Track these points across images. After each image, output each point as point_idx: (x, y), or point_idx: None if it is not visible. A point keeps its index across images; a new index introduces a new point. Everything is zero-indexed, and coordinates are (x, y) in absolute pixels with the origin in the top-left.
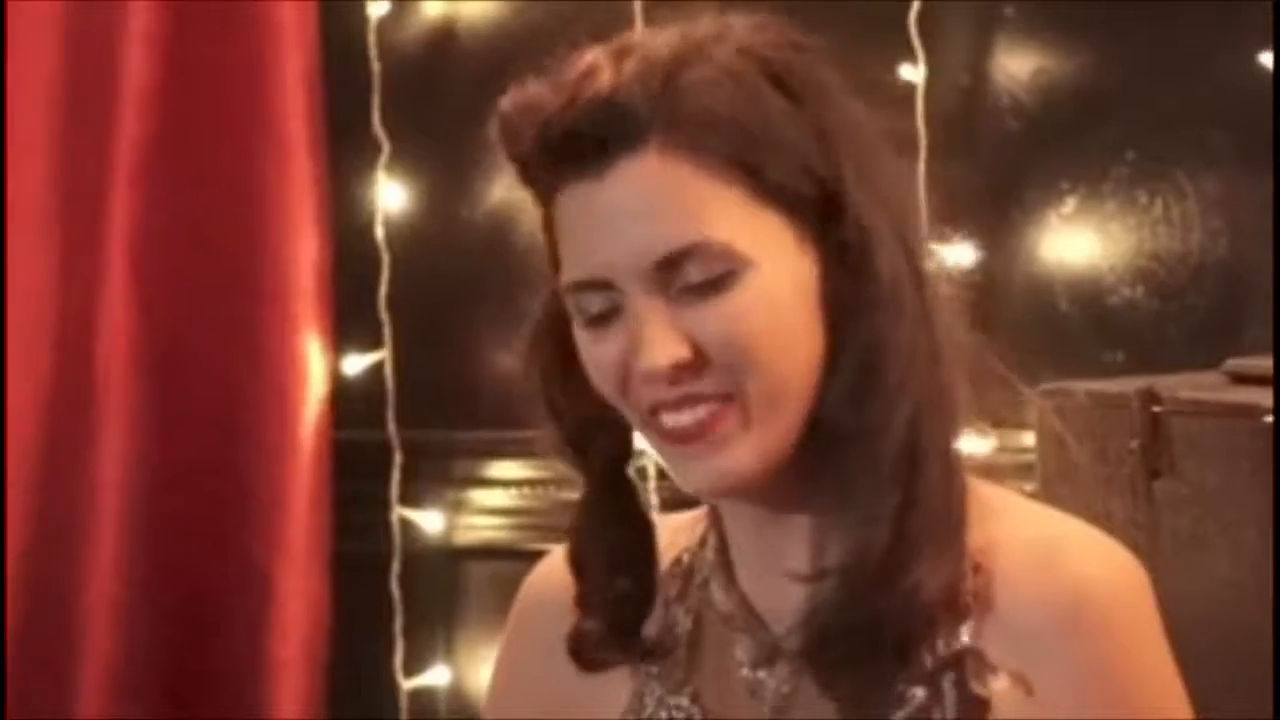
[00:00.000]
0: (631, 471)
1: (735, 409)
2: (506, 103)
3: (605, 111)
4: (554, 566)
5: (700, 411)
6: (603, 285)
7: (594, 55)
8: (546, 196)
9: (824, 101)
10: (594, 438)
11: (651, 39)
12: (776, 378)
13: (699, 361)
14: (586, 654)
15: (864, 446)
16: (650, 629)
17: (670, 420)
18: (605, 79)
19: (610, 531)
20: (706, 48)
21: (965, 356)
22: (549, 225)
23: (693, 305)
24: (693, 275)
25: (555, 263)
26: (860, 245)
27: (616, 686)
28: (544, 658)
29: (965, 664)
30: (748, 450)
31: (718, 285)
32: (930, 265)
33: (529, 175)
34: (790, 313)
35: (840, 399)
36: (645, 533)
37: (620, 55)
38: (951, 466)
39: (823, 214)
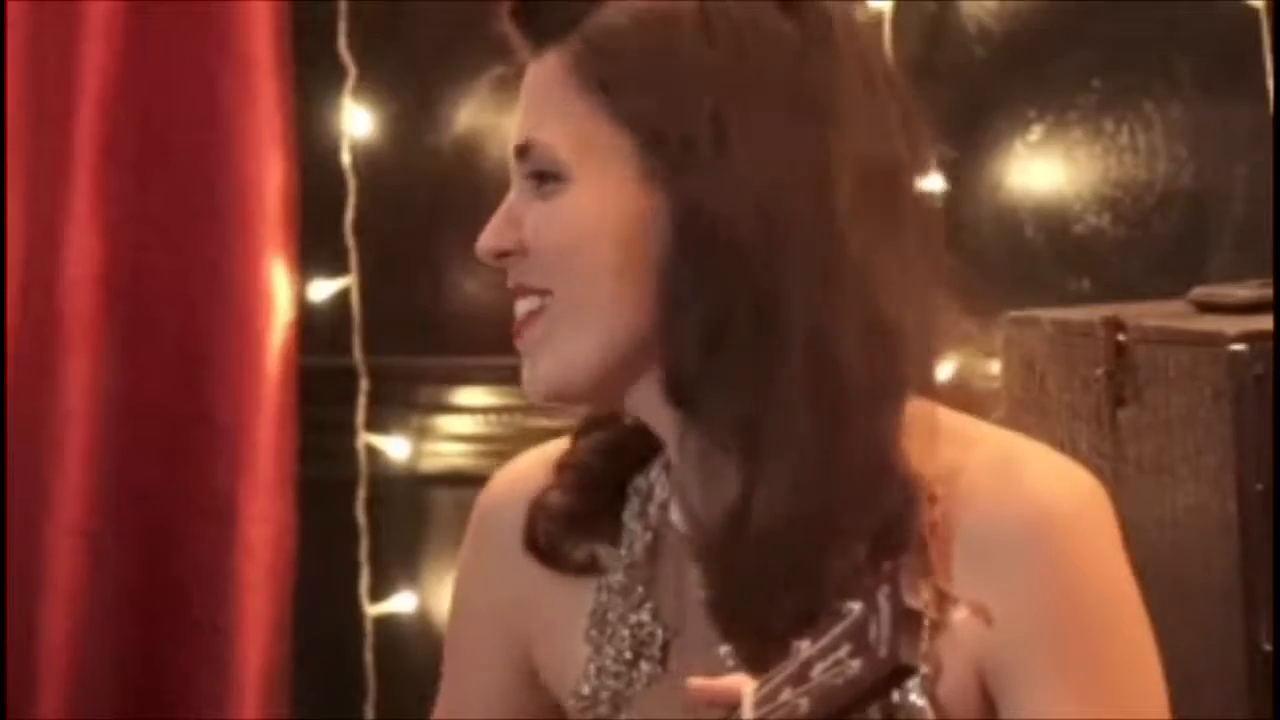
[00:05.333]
0: None
1: (543, 318)
2: None
3: (536, 7)
4: (512, 476)
5: (524, 305)
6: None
7: None
8: None
9: (743, 52)
10: None
11: None
12: (577, 291)
13: (521, 251)
14: (540, 531)
15: (725, 401)
16: (610, 539)
17: (516, 310)
18: None
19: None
20: None
21: (899, 310)
22: None
23: (532, 198)
24: (530, 171)
25: None
26: (695, 195)
27: (578, 601)
28: (502, 571)
29: (898, 577)
30: (550, 361)
31: (544, 186)
32: (860, 227)
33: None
34: (599, 234)
35: (681, 351)
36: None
37: None
38: (865, 425)
39: (672, 156)
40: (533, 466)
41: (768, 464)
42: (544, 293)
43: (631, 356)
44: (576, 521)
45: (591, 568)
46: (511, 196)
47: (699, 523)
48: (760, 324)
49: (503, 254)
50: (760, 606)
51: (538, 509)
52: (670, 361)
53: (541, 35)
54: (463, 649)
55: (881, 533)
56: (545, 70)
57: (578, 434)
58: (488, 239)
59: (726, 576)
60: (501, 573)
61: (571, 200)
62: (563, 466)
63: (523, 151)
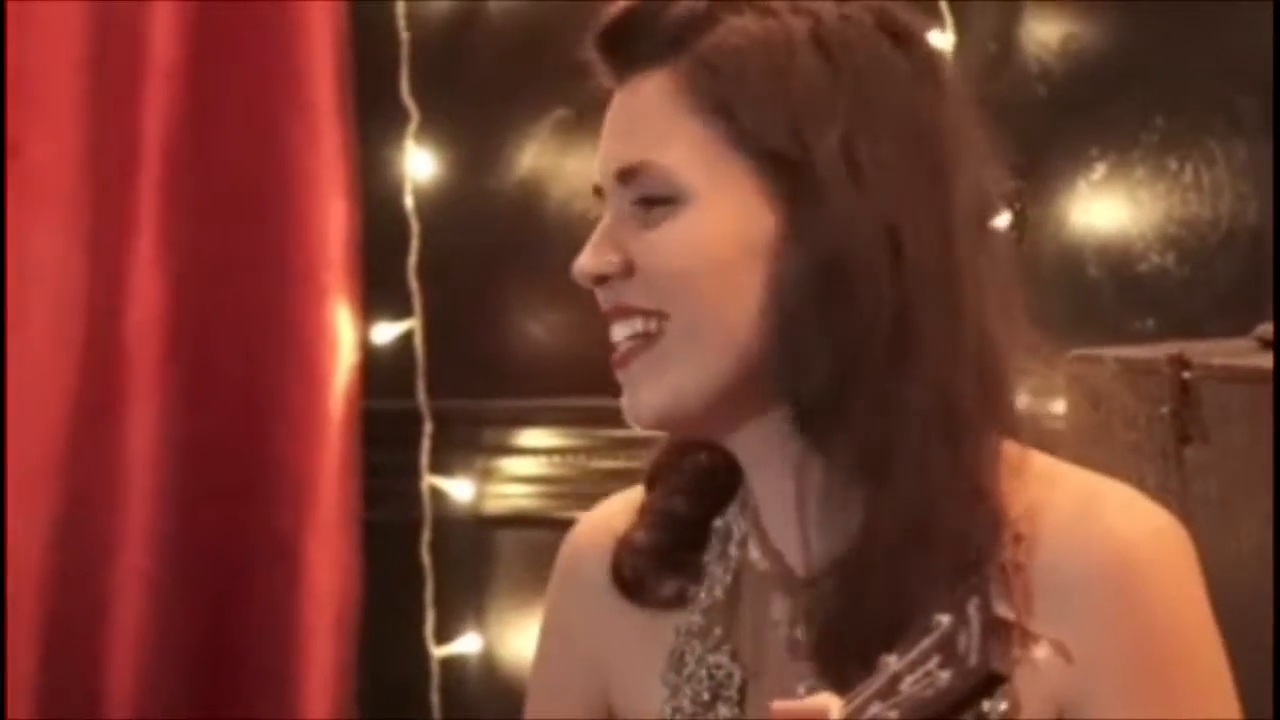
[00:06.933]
0: None
1: (656, 347)
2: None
3: (639, 22)
4: (596, 520)
5: (625, 328)
6: (600, 192)
7: None
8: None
9: (862, 80)
10: None
11: None
12: (694, 314)
13: (626, 273)
14: (627, 568)
15: (854, 431)
16: (692, 580)
17: (613, 333)
18: None
19: (703, 454)
20: None
21: (1000, 346)
22: None
23: (639, 220)
24: (641, 192)
25: None
26: (826, 223)
27: (656, 644)
28: (585, 613)
29: (988, 589)
30: (658, 389)
31: (658, 209)
32: (971, 261)
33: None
34: (720, 257)
35: (812, 379)
36: (734, 468)
37: None
38: (965, 456)
39: (800, 182)
40: (615, 513)
41: (890, 494)
42: (654, 314)
43: (744, 385)
44: (662, 559)
45: (679, 601)
46: (609, 218)
47: (807, 557)
48: (892, 353)
49: (603, 278)
50: (858, 638)
51: (624, 547)
52: (800, 390)
53: (644, 57)
54: (545, 695)
55: (971, 565)
56: (648, 91)
57: (651, 479)
58: (589, 262)
59: (834, 610)
60: (585, 617)
61: (690, 222)
62: (645, 510)
63: (631, 174)
